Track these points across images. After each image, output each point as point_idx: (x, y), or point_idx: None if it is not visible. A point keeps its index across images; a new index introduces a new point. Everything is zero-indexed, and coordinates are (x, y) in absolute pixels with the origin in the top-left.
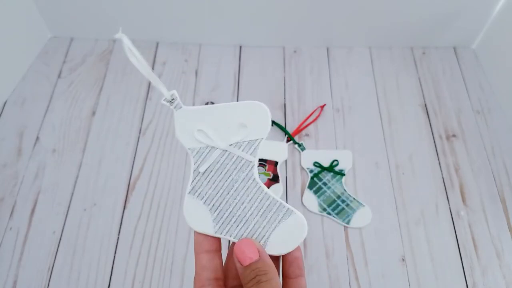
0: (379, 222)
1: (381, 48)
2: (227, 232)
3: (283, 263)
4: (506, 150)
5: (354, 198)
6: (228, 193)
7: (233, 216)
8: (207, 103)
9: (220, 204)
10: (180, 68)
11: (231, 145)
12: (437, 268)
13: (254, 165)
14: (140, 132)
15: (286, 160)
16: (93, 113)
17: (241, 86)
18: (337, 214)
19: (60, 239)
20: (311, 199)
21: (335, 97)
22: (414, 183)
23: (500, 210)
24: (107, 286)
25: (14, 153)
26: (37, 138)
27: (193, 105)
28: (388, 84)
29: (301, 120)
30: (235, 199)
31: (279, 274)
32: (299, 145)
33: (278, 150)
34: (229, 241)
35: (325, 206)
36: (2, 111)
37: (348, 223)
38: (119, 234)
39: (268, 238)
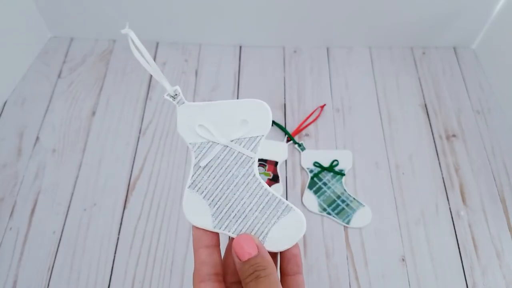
0: (379, 222)
1: (381, 48)
2: (226, 227)
3: (281, 260)
4: (506, 150)
5: (354, 198)
6: (228, 188)
7: (232, 211)
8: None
9: (219, 199)
10: (180, 68)
11: (232, 141)
12: (437, 268)
13: (254, 161)
14: (140, 132)
15: (286, 160)
16: (93, 113)
17: (241, 86)
18: (337, 214)
19: (60, 239)
20: (311, 199)
21: (335, 97)
22: (414, 183)
23: (500, 210)
24: (107, 286)
25: (14, 153)
26: (37, 138)
27: None
28: (388, 84)
29: (301, 120)
30: (234, 194)
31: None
32: (299, 145)
33: (278, 150)
34: (228, 236)
35: (325, 206)
36: (2, 111)
37: (348, 223)
38: (119, 234)
39: (266, 234)
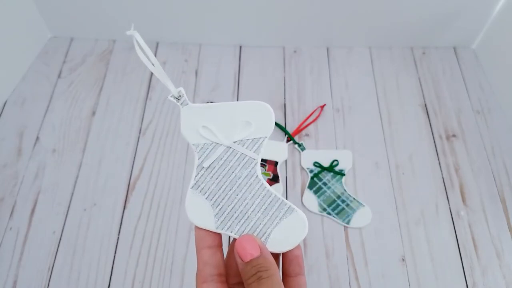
0: (379, 222)
1: (381, 48)
2: (228, 228)
3: (283, 261)
4: (506, 150)
5: (354, 198)
6: (230, 189)
7: (235, 212)
8: (207, 103)
9: (222, 200)
10: (180, 68)
11: (235, 142)
12: (437, 268)
13: (257, 162)
14: (140, 132)
15: (286, 160)
16: (93, 113)
17: (241, 86)
18: (337, 214)
19: (60, 239)
20: (311, 199)
21: (335, 97)
22: (414, 183)
23: (500, 210)
24: (107, 286)
25: (14, 153)
26: (37, 138)
27: None
28: (388, 84)
29: (301, 120)
30: (237, 195)
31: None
32: (299, 145)
33: (278, 150)
34: (229, 237)
35: (325, 206)
36: (2, 111)
37: (348, 223)
38: (119, 234)
39: (269, 235)
